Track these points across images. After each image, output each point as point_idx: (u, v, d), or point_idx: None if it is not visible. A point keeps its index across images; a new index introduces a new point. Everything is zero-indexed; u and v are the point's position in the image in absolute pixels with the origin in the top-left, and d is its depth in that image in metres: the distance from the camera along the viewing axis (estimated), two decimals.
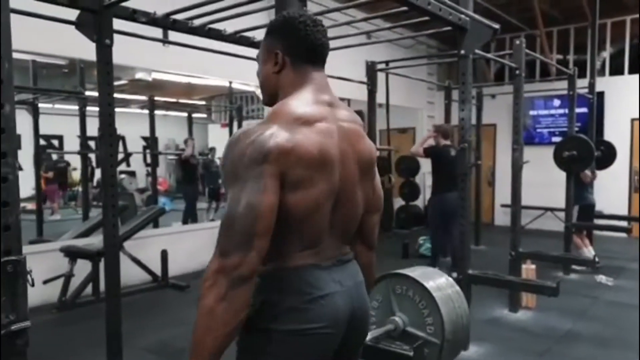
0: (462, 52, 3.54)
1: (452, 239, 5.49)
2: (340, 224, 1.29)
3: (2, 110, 1.32)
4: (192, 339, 1.10)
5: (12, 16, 1.34)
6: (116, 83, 3.42)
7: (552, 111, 9.06)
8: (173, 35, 3.72)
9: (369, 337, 1.93)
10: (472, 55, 3.59)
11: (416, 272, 1.92)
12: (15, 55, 1.34)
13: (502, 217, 8.88)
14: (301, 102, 1.22)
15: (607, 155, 6.87)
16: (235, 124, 9.27)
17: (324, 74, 1.34)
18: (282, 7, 2.20)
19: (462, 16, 3.38)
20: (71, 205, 11.60)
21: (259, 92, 6.15)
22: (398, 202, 8.66)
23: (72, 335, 3.94)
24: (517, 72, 4.57)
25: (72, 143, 9.21)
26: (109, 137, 3.18)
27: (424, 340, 1.81)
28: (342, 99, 5.37)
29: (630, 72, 8.52)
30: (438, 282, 1.90)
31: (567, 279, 5.61)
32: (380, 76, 5.75)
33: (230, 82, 8.33)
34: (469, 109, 3.67)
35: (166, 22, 3.42)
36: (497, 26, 3.60)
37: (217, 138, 12.53)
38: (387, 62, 5.81)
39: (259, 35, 4.05)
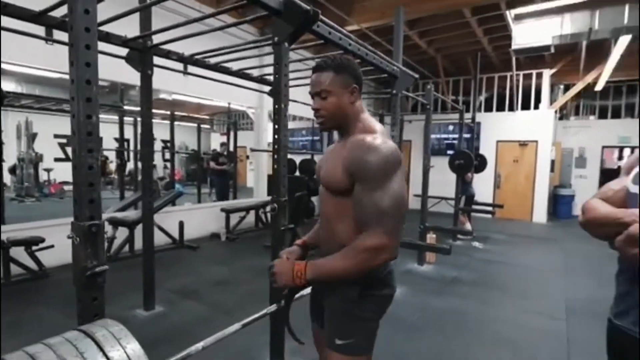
0: (394, 91, 3.66)
1: None
2: None
3: (91, 120, 1.32)
4: (335, 265, 1.09)
5: None
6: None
7: (448, 134, 9.43)
8: (190, 68, 3.66)
9: None
10: (400, 94, 3.71)
11: None
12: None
13: (415, 203, 9.17)
14: (377, 122, 1.24)
15: (482, 164, 7.23)
16: (232, 133, 9.15)
17: None
18: (279, 58, 2.25)
19: (395, 68, 3.51)
20: (108, 188, 11.12)
21: (250, 111, 6.09)
22: None
23: (116, 280, 3.82)
24: (427, 106, 4.75)
25: (107, 143, 8.66)
26: (149, 141, 3.13)
27: None
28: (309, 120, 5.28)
29: (497, 110, 8.97)
30: None
31: (455, 244, 5.86)
32: None
33: (229, 103, 8.22)
34: (397, 129, 3.81)
35: (190, 60, 3.37)
36: (417, 75, 3.75)
37: (218, 143, 12.37)
38: None
39: (257, 72, 4.09)
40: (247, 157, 14.16)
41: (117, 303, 3.20)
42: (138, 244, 4.40)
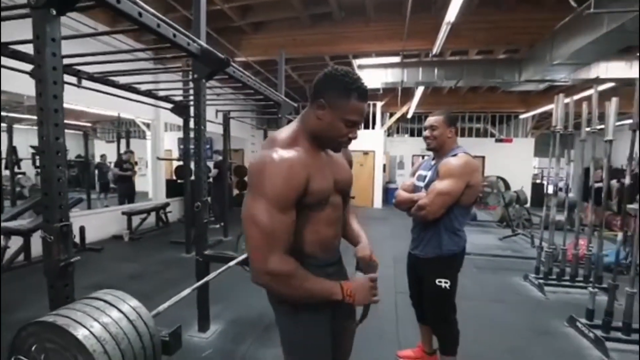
0: (280, 115, 4.10)
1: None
2: None
3: (59, 140, 1.39)
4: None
5: None
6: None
7: None
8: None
9: (243, 256, 2.33)
10: (284, 117, 4.17)
11: None
12: None
13: None
14: None
15: None
16: (123, 141, 8.26)
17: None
18: (199, 90, 2.44)
19: (280, 97, 3.97)
20: None
21: (139, 120, 5.89)
22: (236, 192, 8.87)
23: (21, 289, 3.26)
24: None
25: None
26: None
27: None
28: (212, 133, 5.14)
29: None
30: None
31: None
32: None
33: (119, 114, 7.40)
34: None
35: (101, 80, 3.17)
36: (296, 104, 4.28)
37: (104, 150, 10.85)
38: (229, 112, 5.98)
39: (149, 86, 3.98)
40: (136, 163, 12.71)
41: (31, 307, 2.82)
42: (34, 251, 3.81)
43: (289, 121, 5.67)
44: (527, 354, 2.35)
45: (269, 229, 0.84)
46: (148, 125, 8.67)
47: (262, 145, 0.97)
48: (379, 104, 9.87)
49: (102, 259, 4.26)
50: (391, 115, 10.13)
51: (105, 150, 11.20)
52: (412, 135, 11.48)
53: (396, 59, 6.08)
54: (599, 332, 2.43)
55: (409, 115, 9.83)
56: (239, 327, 2.57)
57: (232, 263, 2.09)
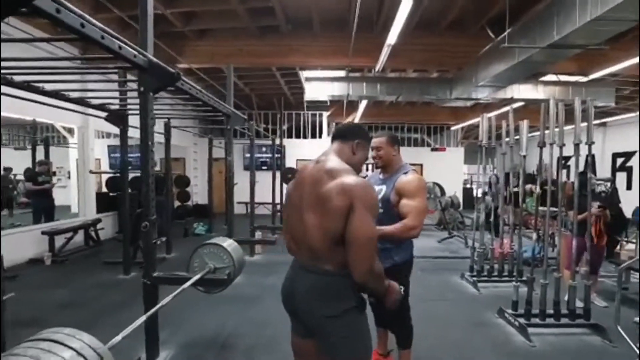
0: (228, 127, 4.03)
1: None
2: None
3: None
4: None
5: None
6: None
7: (262, 154, 10.30)
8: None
9: (198, 276, 2.27)
10: (233, 128, 4.10)
11: (214, 240, 2.35)
12: None
13: (240, 209, 9.60)
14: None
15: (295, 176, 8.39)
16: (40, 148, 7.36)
17: (332, 146, 1.37)
18: (145, 104, 2.32)
19: (229, 109, 3.91)
20: None
21: (58, 125, 5.41)
22: (177, 204, 8.38)
23: None
24: (251, 137, 5.34)
25: None
26: None
27: (226, 266, 2.29)
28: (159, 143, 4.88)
29: (296, 137, 10.52)
30: (228, 242, 2.41)
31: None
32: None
33: (34, 119, 6.62)
34: (231, 154, 4.17)
35: (22, 86, 2.83)
36: (245, 117, 4.25)
37: (11, 158, 9.22)
38: (169, 119, 5.66)
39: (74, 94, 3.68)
40: (54, 173, 11.26)
41: None
42: None
43: (235, 131, 5.61)
44: (467, 344, 2.64)
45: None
46: (70, 131, 7.80)
47: (339, 172, 1.17)
48: (325, 114, 10.19)
49: (19, 288, 3.67)
50: (337, 124, 10.52)
51: (11, 159, 9.66)
52: None
53: (341, 73, 6.39)
54: (522, 320, 2.84)
55: None
56: (192, 350, 2.47)
57: (187, 284, 2.02)
